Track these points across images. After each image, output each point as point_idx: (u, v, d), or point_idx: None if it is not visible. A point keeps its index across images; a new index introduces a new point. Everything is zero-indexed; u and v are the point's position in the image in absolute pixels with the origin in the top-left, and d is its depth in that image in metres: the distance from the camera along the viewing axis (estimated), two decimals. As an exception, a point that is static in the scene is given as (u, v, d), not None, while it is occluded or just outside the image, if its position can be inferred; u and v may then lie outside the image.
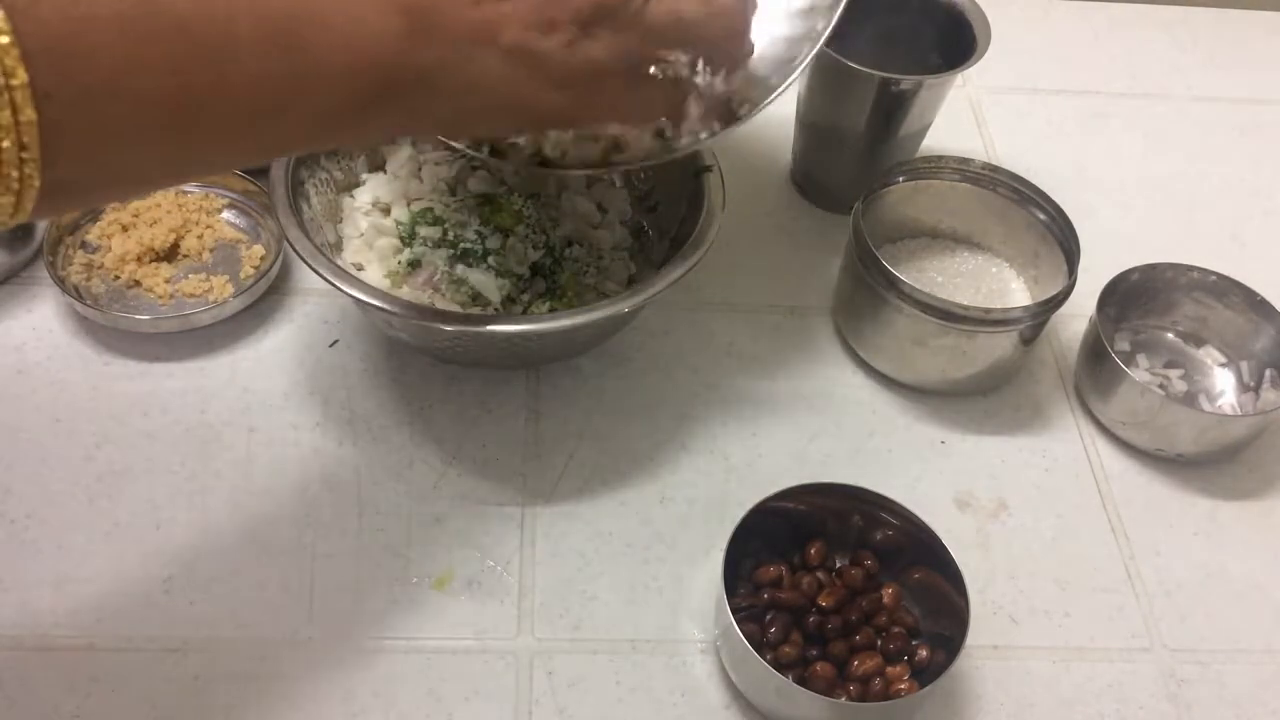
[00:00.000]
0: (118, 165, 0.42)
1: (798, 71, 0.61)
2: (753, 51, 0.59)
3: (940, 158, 0.79)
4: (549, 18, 0.50)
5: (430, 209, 0.72)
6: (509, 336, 0.64)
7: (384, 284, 0.70)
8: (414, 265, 0.70)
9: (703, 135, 0.62)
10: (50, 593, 0.62)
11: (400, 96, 0.48)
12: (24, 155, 0.36)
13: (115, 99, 0.38)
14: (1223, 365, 0.79)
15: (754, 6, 0.58)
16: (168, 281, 0.75)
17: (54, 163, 0.37)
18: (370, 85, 0.47)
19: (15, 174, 0.36)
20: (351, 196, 0.75)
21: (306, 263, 0.64)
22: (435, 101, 0.50)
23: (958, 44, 0.80)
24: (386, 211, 0.74)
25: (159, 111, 0.40)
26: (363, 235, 0.72)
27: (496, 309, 0.69)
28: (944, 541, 0.62)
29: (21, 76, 0.35)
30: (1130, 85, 1.03)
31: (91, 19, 0.37)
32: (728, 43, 0.58)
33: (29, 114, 0.36)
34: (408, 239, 0.71)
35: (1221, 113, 1.02)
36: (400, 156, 0.76)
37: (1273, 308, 0.77)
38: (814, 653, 0.61)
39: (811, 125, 0.85)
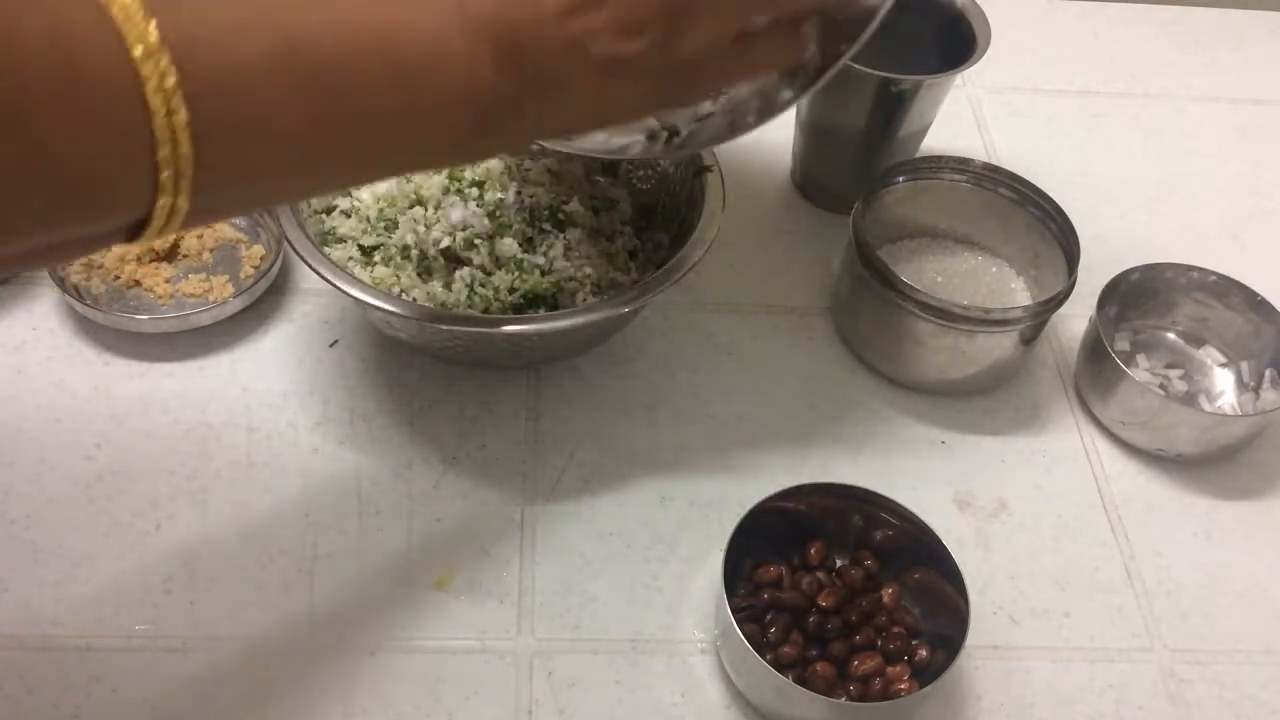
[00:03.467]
0: (252, 194, 0.45)
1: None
2: None
3: (940, 158, 0.79)
4: (636, 20, 0.48)
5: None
6: (509, 336, 0.64)
7: (382, 283, 0.70)
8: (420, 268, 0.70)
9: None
10: (50, 593, 0.62)
11: (500, 121, 0.48)
12: (179, 186, 0.39)
13: (259, 138, 0.41)
14: (1223, 365, 0.79)
15: None
16: (168, 281, 0.75)
17: (199, 192, 0.39)
18: (473, 115, 0.47)
19: (168, 202, 0.39)
20: (351, 196, 0.75)
21: (306, 262, 0.64)
22: (534, 120, 0.49)
23: (958, 44, 0.80)
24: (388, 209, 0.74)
25: (294, 148, 0.42)
26: (360, 234, 0.73)
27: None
28: (944, 541, 0.62)
29: (184, 115, 0.37)
30: (1130, 85, 1.03)
31: (244, 62, 0.39)
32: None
33: (186, 148, 0.38)
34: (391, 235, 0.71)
35: (1221, 113, 1.02)
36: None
37: (1273, 308, 0.77)
38: (814, 653, 0.61)
39: (811, 125, 0.85)
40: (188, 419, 0.70)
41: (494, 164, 0.75)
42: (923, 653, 0.61)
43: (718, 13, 0.50)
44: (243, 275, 0.76)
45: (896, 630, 0.62)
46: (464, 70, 0.45)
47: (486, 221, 0.72)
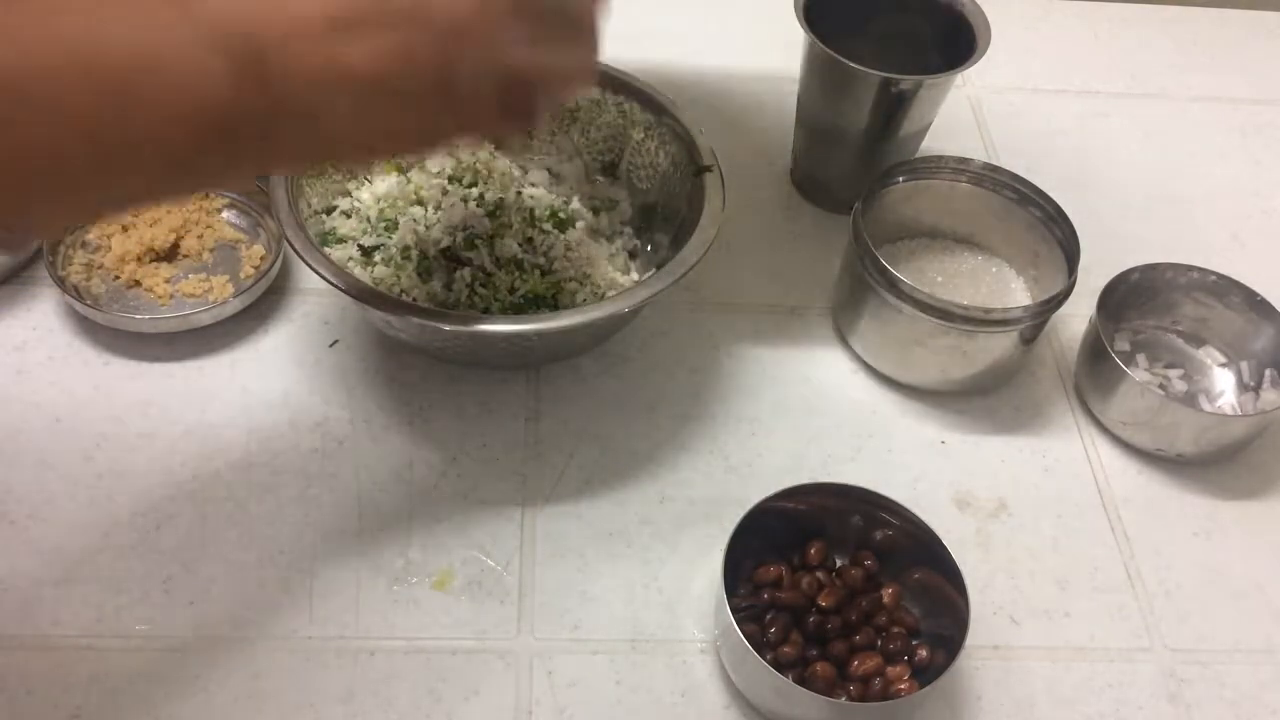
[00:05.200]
0: None
1: None
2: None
3: (940, 158, 0.79)
4: (407, 45, 0.44)
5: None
6: (509, 336, 0.64)
7: (382, 283, 0.70)
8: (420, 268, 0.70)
9: None
10: (50, 593, 0.62)
11: (245, 143, 0.44)
12: None
13: None
14: (1223, 365, 0.79)
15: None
16: (168, 281, 0.75)
17: None
18: (209, 135, 0.43)
19: None
20: (352, 196, 0.75)
21: (306, 262, 0.64)
22: (288, 145, 0.45)
23: (958, 44, 0.80)
24: (389, 210, 0.74)
25: None
26: (360, 234, 0.73)
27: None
28: (944, 541, 0.62)
29: None
30: (1130, 85, 1.03)
31: None
32: (582, 74, 0.52)
33: None
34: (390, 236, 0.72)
35: (1221, 113, 1.02)
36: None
37: (1273, 308, 0.77)
38: (814, 653, 0.61)
39: (812, 125, 0.85)
40: (188, 419, 0.70)
41: (495, 164, 0.75)
42: (923, 653, 0.61)
43: (492, 48, 0.46)
44: (243, 275, 0.76)
45: (896, 630, 0.62)
46: (192, 86, 0.41)
47: (486, 221, 0.72)
